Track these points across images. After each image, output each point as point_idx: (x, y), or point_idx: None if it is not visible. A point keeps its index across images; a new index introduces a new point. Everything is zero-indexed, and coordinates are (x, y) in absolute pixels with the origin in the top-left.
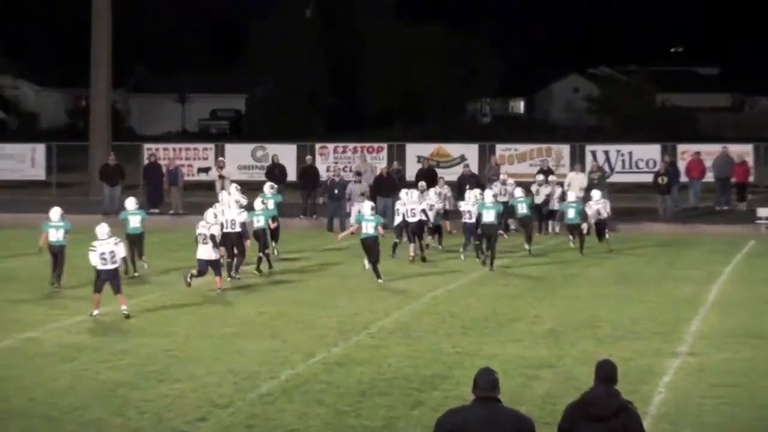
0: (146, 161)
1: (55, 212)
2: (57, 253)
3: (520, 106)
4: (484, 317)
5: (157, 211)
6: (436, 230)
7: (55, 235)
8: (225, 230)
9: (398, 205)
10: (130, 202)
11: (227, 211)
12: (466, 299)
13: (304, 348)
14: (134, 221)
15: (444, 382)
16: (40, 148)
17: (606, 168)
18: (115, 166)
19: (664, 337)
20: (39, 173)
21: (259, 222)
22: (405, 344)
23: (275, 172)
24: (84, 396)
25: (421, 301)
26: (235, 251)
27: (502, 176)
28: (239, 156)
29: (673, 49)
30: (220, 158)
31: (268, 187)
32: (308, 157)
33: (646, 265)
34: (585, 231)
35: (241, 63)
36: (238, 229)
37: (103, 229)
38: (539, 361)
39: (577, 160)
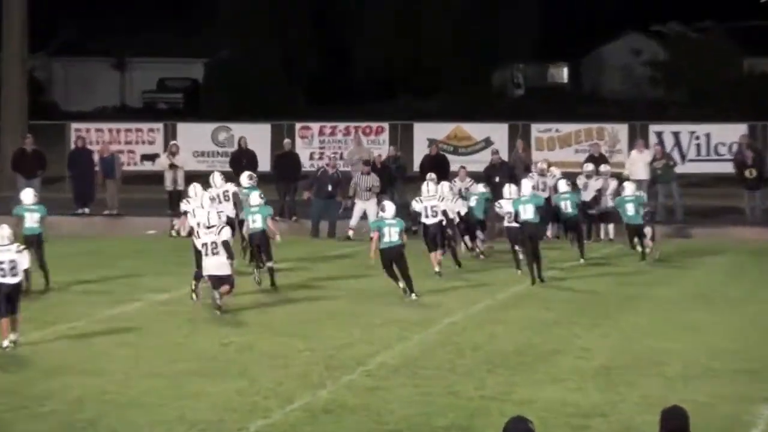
0: (73, 146)
1: None
2: None
3: (563, 73)
4: (517, 350)
5: (86, 211)
6: (468, 230)
7: None
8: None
9: (414, 203)
10: (27, 195)
11: (200, 211)
12: (492, 326)
13: (280, 390)
14: (31, 220)
15: None
16: None
17: (675, 155)
18: (33, 152)
19: (753, 376)
20: None
21: (256, 222)
22: (412, 385)
23: (242, 160)
24: None
25: (434, 328)
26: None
27: (540, 164)
28: (196, 139)
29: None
30: (173, 142)
31: (246, 178)
32: (286, 141)
33: (729, 281)
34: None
35: (199, 19)
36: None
37: (3, 232)
38: (588, 408)
39: (639, 139)
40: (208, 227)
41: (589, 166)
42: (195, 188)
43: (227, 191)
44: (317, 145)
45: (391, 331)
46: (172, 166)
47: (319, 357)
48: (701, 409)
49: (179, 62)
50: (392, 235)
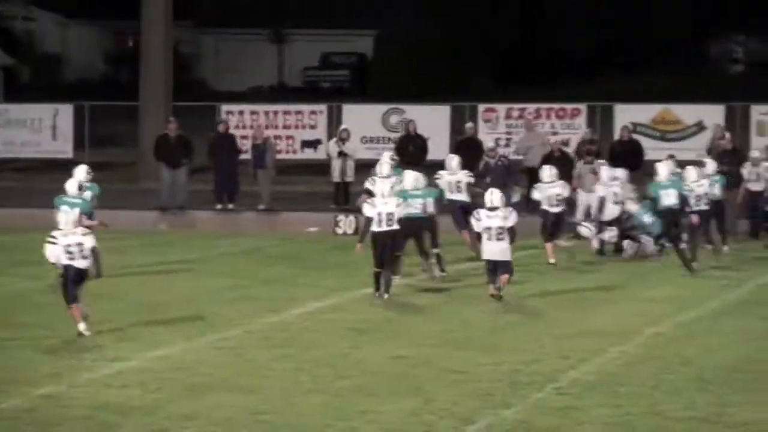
0: (217, 131)
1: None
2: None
3: None
4: (733, 365)
5: (230, 206)
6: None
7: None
8: (378, 229)
9: (534, 192)
10: (80, 171)
11: (381, 201)
12: (704, 338)
13: (458, 410)
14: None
15: None
16: (65, 111)
17: None
18: (177, 138)
19: None
20: (64, 148)
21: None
22: (611, 405)
23: (408, 147)
24: None
25: (636, 340)
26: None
27: (755, 153)
28: (364, 123)
29: None
30: (343, 127)
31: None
32: (468, 125)
33: None
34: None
35: None
36: (395, 226)
37: (69, 216)
38: None
39: None
40: (491, 209)
41: None
42: (382, 165)
43: (459, 182)
44: (503, 129)
45: (585, 343)
46: (341, 155)
47: (502, 372)
48: None
49: (345, 34)
50: (413, 207)
